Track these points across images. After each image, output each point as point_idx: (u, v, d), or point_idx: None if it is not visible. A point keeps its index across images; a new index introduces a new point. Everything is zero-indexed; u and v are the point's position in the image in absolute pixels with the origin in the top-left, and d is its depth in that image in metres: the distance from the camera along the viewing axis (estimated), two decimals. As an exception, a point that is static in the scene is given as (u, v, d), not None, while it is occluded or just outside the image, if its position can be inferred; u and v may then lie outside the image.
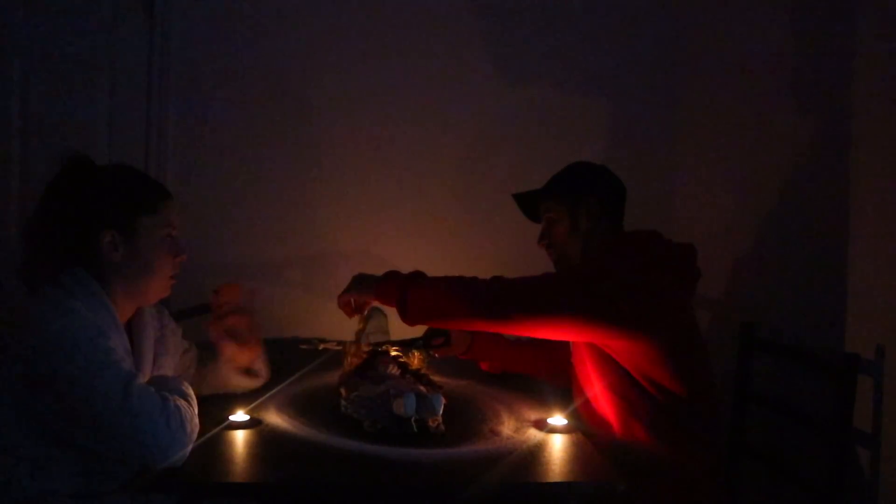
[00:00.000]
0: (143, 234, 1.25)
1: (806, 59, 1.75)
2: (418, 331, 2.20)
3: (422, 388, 1.37)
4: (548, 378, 1.80)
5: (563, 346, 1.73)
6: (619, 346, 1.42)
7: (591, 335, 1.42)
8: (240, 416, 1.31)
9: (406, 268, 2.32)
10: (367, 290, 1.53)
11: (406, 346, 1.73)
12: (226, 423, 1.29)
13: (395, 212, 2.36)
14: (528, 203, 1.72)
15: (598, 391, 1.50)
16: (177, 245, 1.31)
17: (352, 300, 1.60)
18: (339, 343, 2.18)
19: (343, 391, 1.42)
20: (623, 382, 1.43)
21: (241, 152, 2.31)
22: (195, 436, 1.13)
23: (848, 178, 1.55)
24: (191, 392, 1.22)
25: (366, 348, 1.57)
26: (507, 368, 1.85)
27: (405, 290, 1.45)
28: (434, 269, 2.33)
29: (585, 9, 2.37)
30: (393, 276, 1.52)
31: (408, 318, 1.46)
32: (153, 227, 1.26)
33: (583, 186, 1.61)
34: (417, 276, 1.51)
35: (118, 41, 2.26)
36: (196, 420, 1.15)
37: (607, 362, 1.45)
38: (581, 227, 1.59)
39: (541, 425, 1.35)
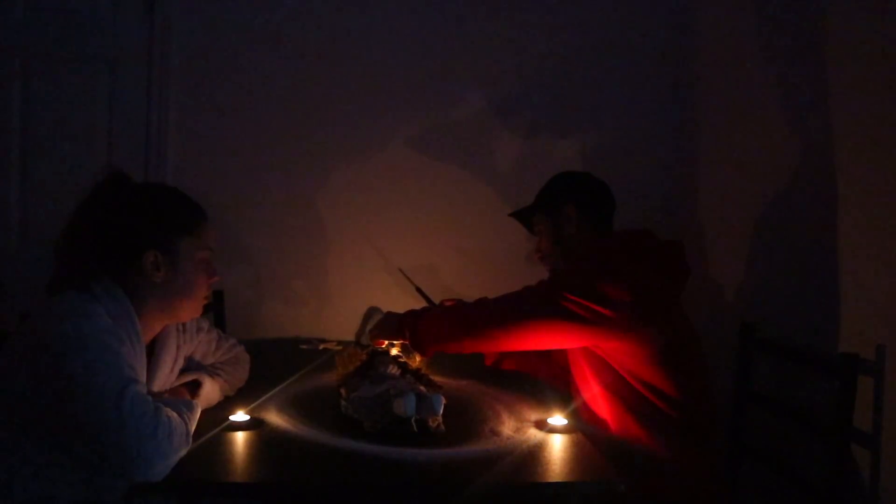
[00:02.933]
0: (184, 256, 1.26)
1: (806, 57, 1.75)
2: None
3: (422, 388, 1.37)
4: (547, 379, 1.81)
5: (561, 350, 1.73)
6: (608, 348, 1.42)
7: (567, 339, 1.43)
8: (240, 416, 1.31)
9: (403, 265, 2.34)
10: (395, 334, 1.60)
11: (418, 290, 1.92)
12: (226, 423, 1.29)
13: (395, 213, 2.36)
14: (527, 219, 1.76)
15: (595, 392, 1.50)
16: (212, 267, 1.32)
17: (383, 341, 1.68)
18: (339, 343, 2.19)
19: (343, 391, 1.42)
20: (618, 382, 1.44)
21: (241, 153, 2.32)
22: (183, 452, 1.10)
23: (849, 176, 1.55)
24: (196, 412, 1.20)
25: (363, 356, 1.57)
26: (506, 365, 1.87)
27: (414, 327, 1.52)
28: (430, 271, 2.35)
29: (588, 10, 2.37)
30: (408, 316, 1.58)
31: (421, 352, 1.53)
32: (194, 249, 1.28)
33: (560, 197, 1.65)
34: (424, 311, 1.59)
35: (118, 40, 2.27)
36: (187, 437, 1.12)
37: (602, 363, 1.46)
38: (565, 236, 1.63)
39: (541, 425, 1.35)
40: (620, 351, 1.41)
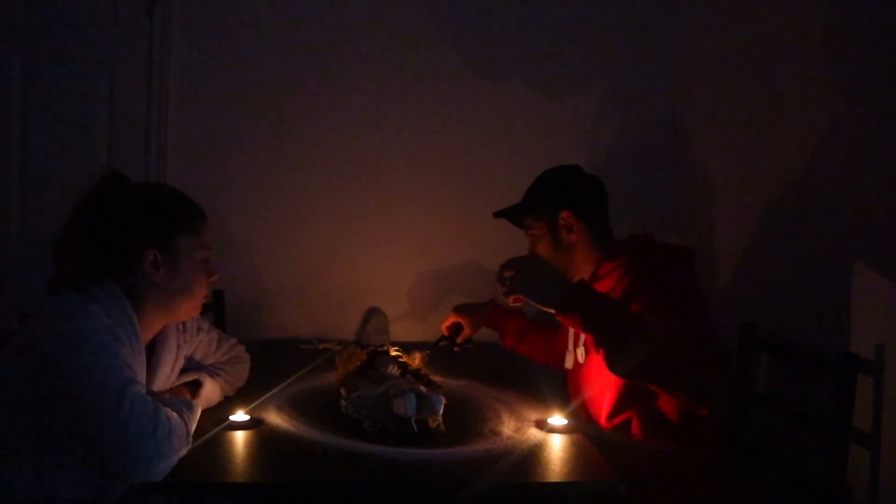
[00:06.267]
0: (183, 255, 1.26)
1: (807, 56, 1.75)
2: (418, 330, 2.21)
3: (422, 388, 1.37)
4: (546, 363, 1.87)
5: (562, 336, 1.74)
6: None
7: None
8: (240, 416, 1.31)
9: (402, 265, 2.33)
10: (546, 302, 1.31)
11: (433, 348, 1.86)
12: (226, 423, 1.29)
13: (393, 213, 2.36)
14: (514, 213, 1.71)
15: (601, 389, 1.49)
16: (211, 266, 1.33)
17: (515, 299, 1.38)
18: (340, 343, 2.19)
19: (343, 391, 1.42)
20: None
21: (241, 154, 2.32)
22: (183, 451, 1.10)
23: (849, 176, 1.55)
24: (196, 412, 1.20)
25: (363, 356, 1.57)
26: (521, 349, 1.93)
27: (615, 340, 1.27)
28: (425, 267, 2.34)
29: (584, 7, 2.37)
30: (589, 303, 1.29)
31: (613, 368, 1.28)
32: (192, 248, 1.28)
33: (556, 202, 1.60)
34: (627, 321, 1.28)
35: (118, 41, 2.27)
36: (187, 437, 1.13)
37: None
38: (563, 241, 1.60)
39: (541, 425, 1.35)
40: None
